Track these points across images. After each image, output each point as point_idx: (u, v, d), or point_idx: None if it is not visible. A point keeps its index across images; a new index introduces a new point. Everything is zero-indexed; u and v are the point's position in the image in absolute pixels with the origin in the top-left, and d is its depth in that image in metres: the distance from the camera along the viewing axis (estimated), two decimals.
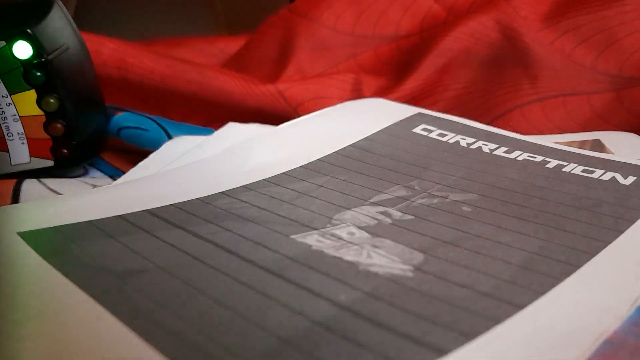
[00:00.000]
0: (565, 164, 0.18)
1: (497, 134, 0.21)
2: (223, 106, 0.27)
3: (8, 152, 0.21)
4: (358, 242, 0.14)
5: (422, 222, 0.15)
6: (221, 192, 0.17)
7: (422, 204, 0.16)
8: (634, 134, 0.22)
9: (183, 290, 0.12)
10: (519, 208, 0.16)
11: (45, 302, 0.12)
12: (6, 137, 0.21)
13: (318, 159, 0.20)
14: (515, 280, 0.12)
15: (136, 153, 0.25)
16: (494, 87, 0.26)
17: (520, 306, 0.11)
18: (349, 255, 0.14)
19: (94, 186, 0.20)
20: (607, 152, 0.20)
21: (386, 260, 0.13)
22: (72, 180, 0.21)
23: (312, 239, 0.14)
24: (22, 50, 0.20)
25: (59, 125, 0.21)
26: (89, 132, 0.23)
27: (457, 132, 0.21)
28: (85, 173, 0.24)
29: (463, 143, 0.20)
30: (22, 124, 0.21)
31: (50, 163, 0.22)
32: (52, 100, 0.21)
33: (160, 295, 0.12)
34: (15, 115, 0.21)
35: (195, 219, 0.16)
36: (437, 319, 0.11)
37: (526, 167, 0.18)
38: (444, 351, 0.10)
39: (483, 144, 0.20)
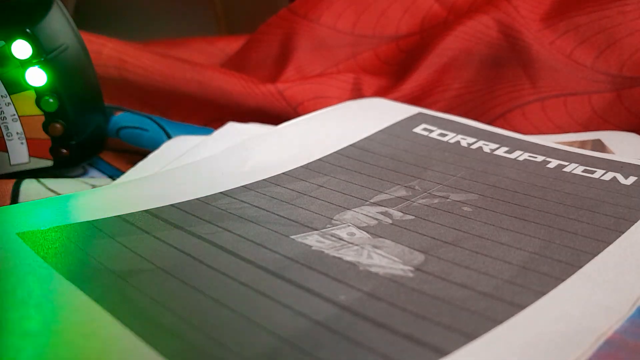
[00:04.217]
0: (566, 164, 0.18)
1: (498, 133, 0.21)
2: (223, 106, 0.27)
3: (7, 152, 0.21)
4: (358, 243, 0.14)
5: (423, 222, 0.15)
6: (221, 192, 0.17)
7: (422, 204, 0.16)
8: (634, 133, 0.22)
9: (182, 291, 0.12)
10: (520, 208, 0.16)
11: (44, 302, 0.12)
12: (5, 137, 0.21)
13: (318, 159, 0.20)
14: (515, 281, 0.12)
15: (135, 153, 0.25)
16: (495, 87, 0.26)
17: (521, 306, 0.11)
18: (349, 255, 0.14)
19: (94, 186, 0.20)
20: (607, 152, 0.20)
21: (386, 260, 0.13)
22: (72, 180, 0.21)
23: (312, 239, 0.14)
24: (22, 49, 0.20)
25: (58, 125, 0.21)
26: (88, 132, 0.23)
27: (458, 132, 0.21)
28: (84, 173, 0.24)
29: (464, 143, 0.20)
30: (21, 123, 0.21)
31: (49, 163, 0.22)
32: (51, 100, 0.21)
33: (160, 295, 0.12)
34: (14, 115, 0.21)
35: (195, 219, 0.15)
36: (438, 319, 0.11)
37: (527, 167, 0.18)
38: (445, 351, 0.10)
39: (484, 144, 0.20)
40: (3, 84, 0.20)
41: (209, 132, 0.23)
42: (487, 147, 0.20)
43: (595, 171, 0.17)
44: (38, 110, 0.21)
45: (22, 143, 0.21)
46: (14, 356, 0.10)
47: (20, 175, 0.21)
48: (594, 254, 0.13)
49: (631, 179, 0.17)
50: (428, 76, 0.27)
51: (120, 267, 0.13)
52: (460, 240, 0.14)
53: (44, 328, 0.11)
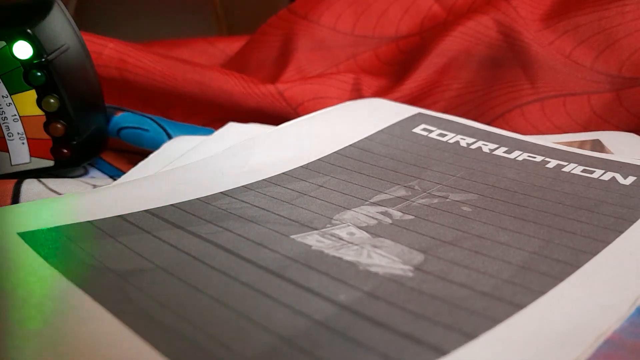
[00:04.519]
0: (565, 164, 0.18)
1: (497, 134, 0.21)
2: (223, 106, 0.27)
3: (8, 152, 0.21)
4: (358, 242, 0.14)
5: (422, 222, 0.15)
6: (221, 192, 0.17)
7: (422, 204, 0.16)
8: (633, 134, 0.22)
9: (183, 290, 0.12)
10: (519, 208, 0.16)
11: (45, 302, 0.12)
12: (6, 137, 0.21)
13: (318, 159, 0.20)
14: (515, 280, 0.12)
15: (136, 153, 0.25)
16: (494, 87, 0.26)
17: (520, 306, 0.11)
18: (349, 255, 0.14)
19: (94, 186, 0.20)
20: (607, 152, 0.20)
21: (386, 260, 0.13)
22: (72, 180, 0.21)
23: (312, 239, 0.14)
24: (22, 50, 0.20)
25: (59, 126, 0.21)
26: (89, 132, 0.23)
27: (457, 132, 0.21)
28: (85, 173, 0.24)
29: (463, 143, 0.20)
30: (22, 124, 0.21)
31: (50, 163, 0.22)
32: (52, 101, 0.21)
33: (161, 295, 0.12)
34: (15, 115, 0.21)
35: (195, 219, 0.16)
36: (437, 319, 0.11)
37: (526, 167, 0.18)
38: (444, 351, 0.10)
39: (483, 144, 0.20)
40: (4, 84, 0.20)
41: (209, 133, 0.23)
42: (487, 147, 0.20)
43: (594, 171, 0.17)
44: (39, 111, 0.21)
45: (23, 143, 0.21)
46: (15, 356, 0.10)
47: (21, 176, 0.21)
48: (593, 254, 0.13)
49: (630, 179, 0.17)
50: (428, 77, 0.27)
51: (121, 266, 0.13)
52: (459, 240, 0.14)
53: (45, 328, 0.11)
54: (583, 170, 0.17)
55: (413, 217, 0.15)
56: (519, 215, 0.15)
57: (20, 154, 0.21)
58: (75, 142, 0.22)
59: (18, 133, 0.21)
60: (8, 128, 0.21)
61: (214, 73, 0.27)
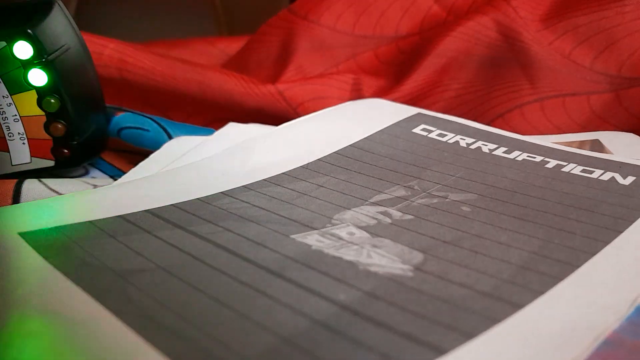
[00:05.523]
0: (565, 164, 0.18)
1: (497, 134, 0.21)
2: (223, 106, 0.27)
3: (9, 152, 0.21)
4: (358, 242, 0.14)
5: (422, 222, 0.15)
6: (221, 192, 0.17)
7: (421, 204, 0.16)
8: (633, 134, 0.22)
9: (183, 290, 0.12)
10: (519, 208, 0.16)
11: (46, 302, 0.12)
12: (7, 137, 0.21)
13: (318, 159, 0.20)
14: (514, 280, 0.12)
15: (137, 153, 0.25)
16: (494, 88, 0.26)
17: (519, 306, 0.12)
18: (348, 255, 0.14)
19: (95, 186, 0.20)
20: (606, 152, 0.20)
21: (386, 260, 0.13)
22: (73, 180, 0.21)
23: (312, 239, 0.14)
24: (23, 50, 0.20)
25: (59, 126, 0.21)
26: (89, 132, 0.23)
27: (457, 132, 0.21)
28: (85, 173, 0.24)
29: (462, 143, 0.20)
30: (22, 124, 0.21)
31: (51, 163, 0.22)
32: (52, 101, 0.21)
33: (161, 295, 0.12)
34: (16, 115, 0.21)
35: (196, 219, 0.16)
36: (437, 319, 0.11)
37: (526, 167, 0.18)
38: (444, 350, 0.10)
39: (482, 144, 0.20)
40: (5, 84, 0.20)
41: (209, 133, 0.23)
42: (486, 147, 0.20)
43: (594, 171, 0.17)
44: (39, 111, 0.21)
45: (23, 143, 0.21)
46: (16, 356, 0.10)
47: (22, 176, 0.21)
48: (593, 254, 0.13)
49: (629, 179, 0.17)
50: (427, 77, 0.27)
51: (121, 266, 0.13)
52: (459, 240, 0.14)
53: (45, 328, 0.11)
54: (582, 170, 0.17)
55: (413, 216, 0.15)
56: (519, 215, 0.15)
57: (21, 154, 0.22)
58: (75, 142, 0.22)
59: (19, 133, 0.21)
60: (9, 128, 0.21)
61: (214, 73, 0.27)
